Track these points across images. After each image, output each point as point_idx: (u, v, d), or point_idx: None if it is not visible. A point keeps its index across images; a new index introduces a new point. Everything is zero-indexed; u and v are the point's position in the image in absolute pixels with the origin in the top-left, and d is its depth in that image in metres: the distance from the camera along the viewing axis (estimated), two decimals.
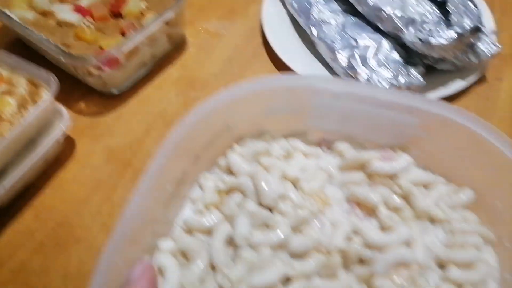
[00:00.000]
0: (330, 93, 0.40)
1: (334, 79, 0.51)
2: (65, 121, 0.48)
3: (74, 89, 0.56)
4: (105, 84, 0.54)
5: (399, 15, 0.50)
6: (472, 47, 0.51)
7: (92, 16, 0.54)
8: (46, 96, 0.45)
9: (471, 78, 0.54)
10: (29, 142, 0.46)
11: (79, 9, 0.55)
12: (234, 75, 0.60)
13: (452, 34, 0.47)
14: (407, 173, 0.41)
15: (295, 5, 0.59)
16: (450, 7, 0.51)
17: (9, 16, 0.52)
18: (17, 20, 0.52)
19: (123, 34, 0.53)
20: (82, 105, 0.56)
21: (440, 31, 0.47)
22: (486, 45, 0.52)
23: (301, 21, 0.59)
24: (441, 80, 0.54)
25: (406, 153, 0.42)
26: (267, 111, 0.43)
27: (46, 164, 0.49)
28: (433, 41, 0.47)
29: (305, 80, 0.41)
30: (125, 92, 0.57)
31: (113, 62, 0.50)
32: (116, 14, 0.55)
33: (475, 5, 0.51)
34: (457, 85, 0.53)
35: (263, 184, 0.39)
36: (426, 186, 0.42)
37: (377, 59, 0.50)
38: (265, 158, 0.42)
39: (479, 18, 0.52)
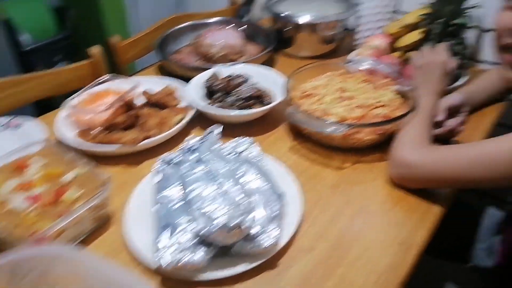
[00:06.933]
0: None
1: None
2: None
3: None
4: None
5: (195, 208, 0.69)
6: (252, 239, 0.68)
7: (40, 202, 0.72)
8: None
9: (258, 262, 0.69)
10: None
11: (31, 198, 0.72)
12: None
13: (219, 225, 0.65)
14: None
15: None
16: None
17: None
18: None
19: (58, 217, 0.69)
20: None
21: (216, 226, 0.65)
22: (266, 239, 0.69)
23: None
24: (229, 263, 0.68)
25: None
26: None
27: None
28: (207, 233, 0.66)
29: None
30: None
31: (42, 240, 0.66)
32: (58, 200, 0.72)
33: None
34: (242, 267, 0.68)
35: None
36: None
37: (178, 237, 0.67)
38: None
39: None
